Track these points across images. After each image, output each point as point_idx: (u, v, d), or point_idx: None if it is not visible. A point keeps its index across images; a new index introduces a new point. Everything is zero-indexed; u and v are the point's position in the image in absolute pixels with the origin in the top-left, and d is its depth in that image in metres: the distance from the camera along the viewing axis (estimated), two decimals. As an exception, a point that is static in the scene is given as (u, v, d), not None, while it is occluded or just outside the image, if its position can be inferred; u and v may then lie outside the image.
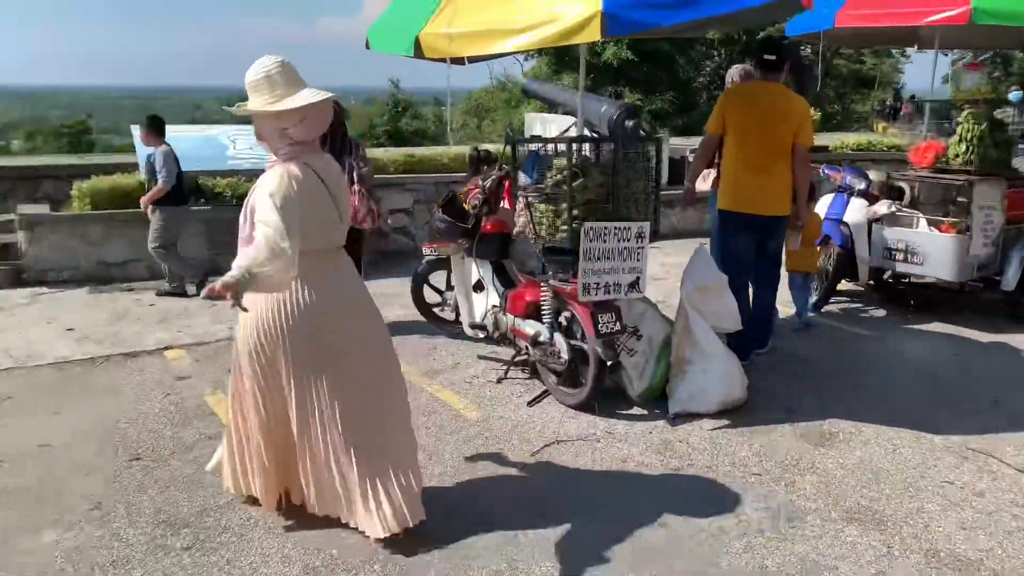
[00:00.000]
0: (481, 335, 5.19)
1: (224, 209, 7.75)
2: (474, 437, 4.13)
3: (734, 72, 5.68)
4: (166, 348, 5.49)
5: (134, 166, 8.19)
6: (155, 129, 6.83)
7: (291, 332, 2.87)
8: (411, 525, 3.00)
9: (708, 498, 3.53)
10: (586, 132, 4.85)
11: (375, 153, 9.43)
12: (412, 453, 3.17)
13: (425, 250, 5.53)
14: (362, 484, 2.95)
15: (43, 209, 7.53)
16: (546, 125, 11.67)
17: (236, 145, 7.58)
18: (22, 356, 5.25)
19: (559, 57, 20.52)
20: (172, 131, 7.66)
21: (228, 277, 2.63)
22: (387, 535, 2.95)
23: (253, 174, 7.76)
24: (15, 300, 6.66)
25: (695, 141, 6.99)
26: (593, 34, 3.37)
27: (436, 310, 5.82)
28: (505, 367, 5.04)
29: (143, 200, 6.76)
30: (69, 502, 3.34)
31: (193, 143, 7.41)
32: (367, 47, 4.90)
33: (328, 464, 2.96)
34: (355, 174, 5.21)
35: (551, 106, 12.84)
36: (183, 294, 6.92)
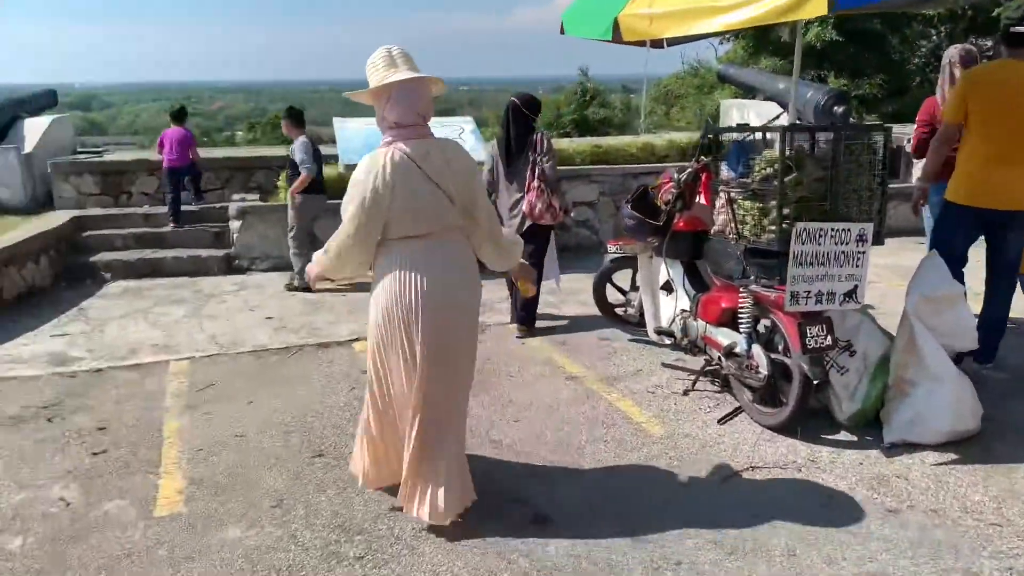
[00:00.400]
0: (667, 341, 4.83)
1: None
2: (657, 456, 3.79)
3: (953, 53, 4.84)
4: (355, 339, 5.61)
5: (335, 157, 8.55)
6: (294, 120, 6.96)
7: (376, 315, 2.95)
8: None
9: (932, 551, 2.97)
10: (798, 120, 4.31)
11: (560, 144, 9.22)
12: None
13: (610, 247, 5.24)
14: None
15: (252, 198, 8.04)
16: (744, 111, 10.93)
17: (426, 137, 7.67)
18: (227, 343, 5.56)
19: (757, 40, 19.30)
20: (373, 123, 7.91)
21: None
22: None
23: None
24: (224, 287, 7.15)
25: (910, 129, 6.12)
26: (819, 7, 2.91)
27: (618, 310, 5.52)
28: (693, 377, 4.65)
29: (291, 190, 6.82)
30: (254, 497, 3.41)
31: (363, 134, 7.58)
32: (562, 32, 4.68)
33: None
34: (536, 169, 5.18)
35: (748, 92, 12.04)
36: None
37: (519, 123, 5.34)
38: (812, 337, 3.73)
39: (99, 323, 6.07)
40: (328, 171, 7.89)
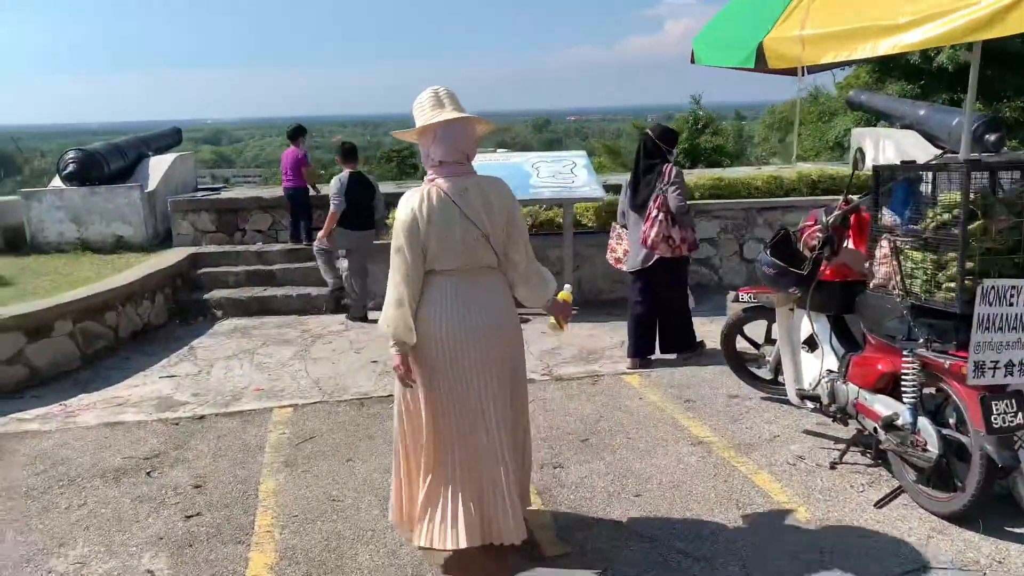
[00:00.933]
0: (810, 406, 4.23)
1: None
2: (805, 548, 3.23)
3: None
4: (459, 388, 5.30)
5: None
6: (343, 155, 7.24)
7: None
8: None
9: None
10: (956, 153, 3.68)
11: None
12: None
13: (742, 295, 4.70)
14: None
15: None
16: (880, 142, 10.08)
17: (539, 173, 7.36)
18: (330, 389, 5.36)
19: (882, 63, 18.12)
20: (486, 160, 7.66)
21: None
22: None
23: (554, 202, 7.54)
24: (332, 326, 7.03)
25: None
26: (1021, 23, 2.36)
27: (750, 365, 4.96)
28: (841, 448, 4.05)
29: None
30: (347, 577, 3.09)
31: (499, 172, 7.29)
32: (692, 61, 4.24)
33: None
34: (659, 199, 5.23)
35: (881, 120, 11.11)
36: (364, 318, 7.08)
37: (651, 155, 5.36)
38: (999, 415, 3.11)
39: (207, 364, 6.02)
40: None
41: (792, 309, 4.26)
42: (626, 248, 5.69)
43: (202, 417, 4.93)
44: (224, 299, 7.38)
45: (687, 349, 5.70)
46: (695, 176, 8.34)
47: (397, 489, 3.15)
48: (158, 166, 9.04)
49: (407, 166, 37.97)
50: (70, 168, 8.34)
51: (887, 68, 18.08)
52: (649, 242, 5.27)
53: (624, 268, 5.76)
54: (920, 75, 16.02)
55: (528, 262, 3.06)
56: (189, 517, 3.62)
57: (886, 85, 17.65)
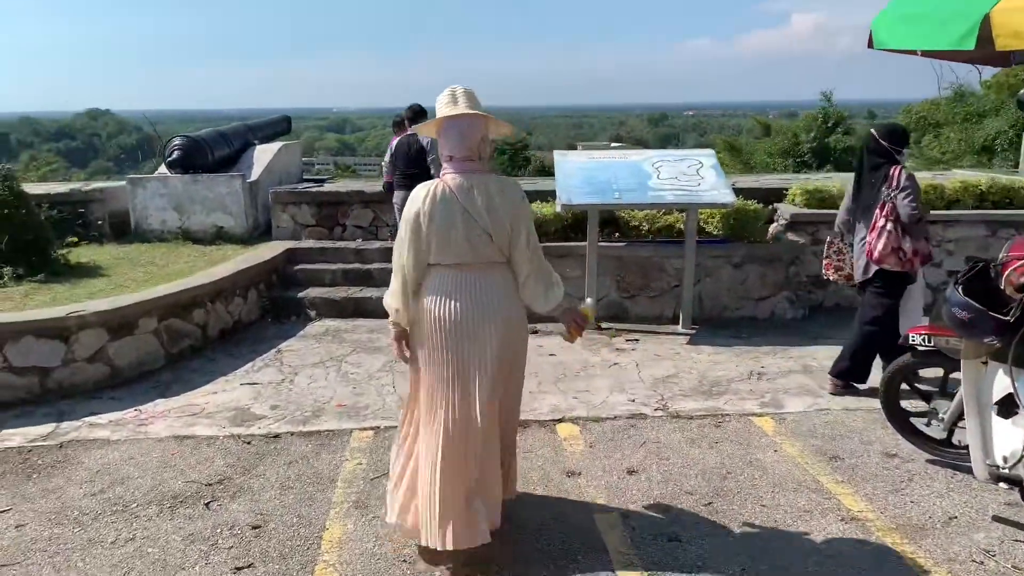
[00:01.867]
0: (1004, 487, 3.33)
1: (638, 246, 6.82)
2: None
3: None
4: (559, 420, 4.64)
5: (552, 193, 7.71)
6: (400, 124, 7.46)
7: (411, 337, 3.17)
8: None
9: None
10: None
11: (809, 184, 7.72)
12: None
13: (912, 336, 3.80)
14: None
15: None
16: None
17: (660, 173, 6.58)
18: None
19: None
20: (600, 156, 6.97)
21: None
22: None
23: (678, 207, 6.75)
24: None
25: None
26: None
27: (916, 421, 4.05)
28: (1048, 546, 3.14)
29: None
30: None
31: (615, 172, 6.58)
32: (870, 46, 3.40)
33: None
34: (886, 206, 4.68)
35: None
36: None
37: (875, 155, 4.81)
38: None
39: (291, 371, 5.61)
40: (545, 208, 7.06)
41: (985, 362, 3.36)
42: (852, 261, 5.06)
43: (276, 436, 4.49)
44: (319, 298, 7.01)
45: (855, 380, 5.03)
46: (831, 182, 7.31)
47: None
48: (262, 155, 8.79)
49: (520, 159, 37.56)
50: (174, 155, 8.19)
51: None
52: (876, 255, 4.73)
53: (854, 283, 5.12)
54: None
55: (531, 266, 3.07)
56: (239, 569, 3.14)
57: None
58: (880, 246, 4.67)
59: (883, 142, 4.77)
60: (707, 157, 6.90)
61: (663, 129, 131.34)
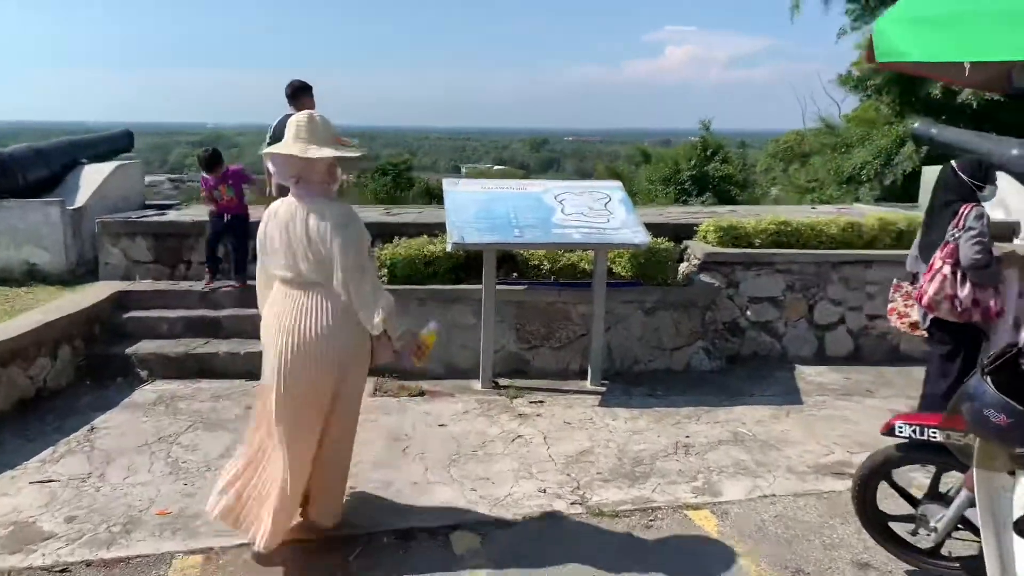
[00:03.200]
0: (1030, 626, 2.59)
1: (540, 290, 5.94)
2: None
3: None
4: (453, 527, 3.64)
5: (440, 226, 6.74)
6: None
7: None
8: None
9: None
10: None
11: (730, 220, 7.13)
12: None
13: (900, 425, 3.03)
14: None
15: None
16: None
17: (564, 208, 5.74)
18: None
19: (901, 95, 16.74)
20: (494, 186, 6.05)
21: None
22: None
23: (586, 247, 5.91)
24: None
25: None
26: None
27: (896, 526, 3.31)
28: None
29: None
30: None
31: (514, 205, 5.67)
32: (870, 60, 2.65)
33: None
34: (946, 248, 4.24)
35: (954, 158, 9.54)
36: None
37: (949, 191, 4.34)
38: None
39: (103, 459, 4.33)
40: (432, 246, 6.08)
41: (1012, 472, 2.62)
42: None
43: (65, 570, 3.25)
44: (152, 355, 5.69)
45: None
46: (754, 221, 6.72)
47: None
48: (92, 177, 7.33)
49: (403, 180, 36.42)
50: (-29, 176, 6.65)
51: (908, 101, 16.76)
52: (926, 299, 4.29)
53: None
54: (940, 111, 14.73)
55: (347, 292, 3.19)
56: None
57: (905, 120, 16.33)
58: (932, 290, 4.22)
59: (963, 175, 4.29)
60: (615, 190, 6.12)
61: (544, 154, 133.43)
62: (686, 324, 6.03)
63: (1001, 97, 13.15)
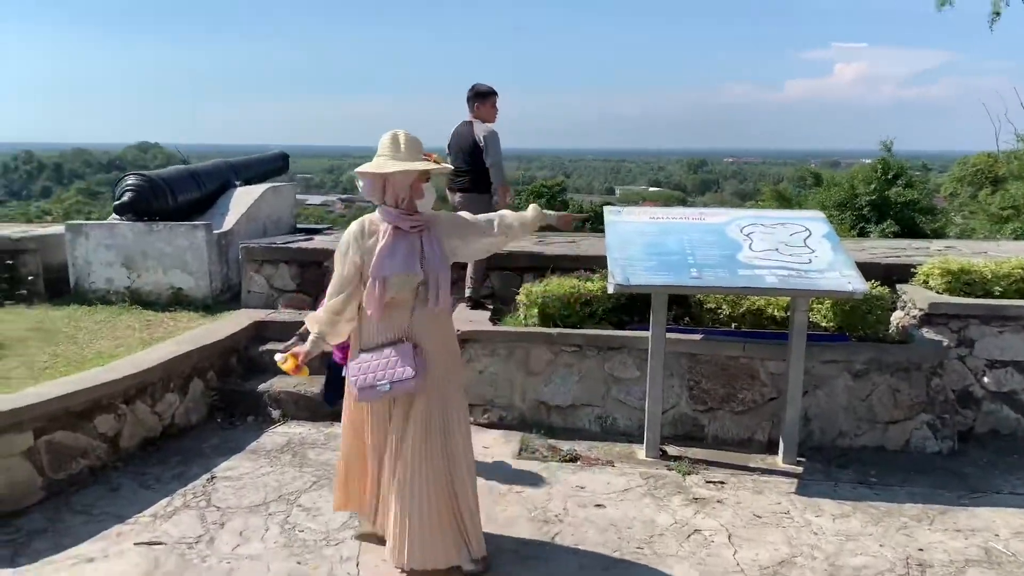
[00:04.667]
0: None
1: (719, 340, 4.97)
2: None
3: None
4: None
5: (599, 260, 5.93)
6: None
7: None
8: None
9: None
10: None
11: (951, 263, 5.84)
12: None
13: None
14: None
15: (480, 316, 5.59)
16: None
17: (753, 243, 4.77)
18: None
19: None
20: (665, 216, 5.17)
21: None
22: None
23: (783, 293, 4.86)
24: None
25: None
26: None
27: None
28: None
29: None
30: None
31: (689, 238, 4.77)
32: None
33: None
34: None
35: None
36: None
37: None
38: None
39: (218, 518, 3.83)
40: (591, 284, 5.28)
41: None
42: None
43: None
44: (285, 392, 5.24)
45: None
46: (992, 263, 5.40)
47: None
48: (242, 199, 7.14)
49: (557, 202, 36.06)
50: (125, 197, 6.52)
51: None
52: None
53: None
54: None
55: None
56: None
57: None
58: None
59: None
60: (816, 222, 5.05)
61: (702, 175, 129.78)
62: (906, 392, 4.84)
63: None
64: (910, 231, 22.14)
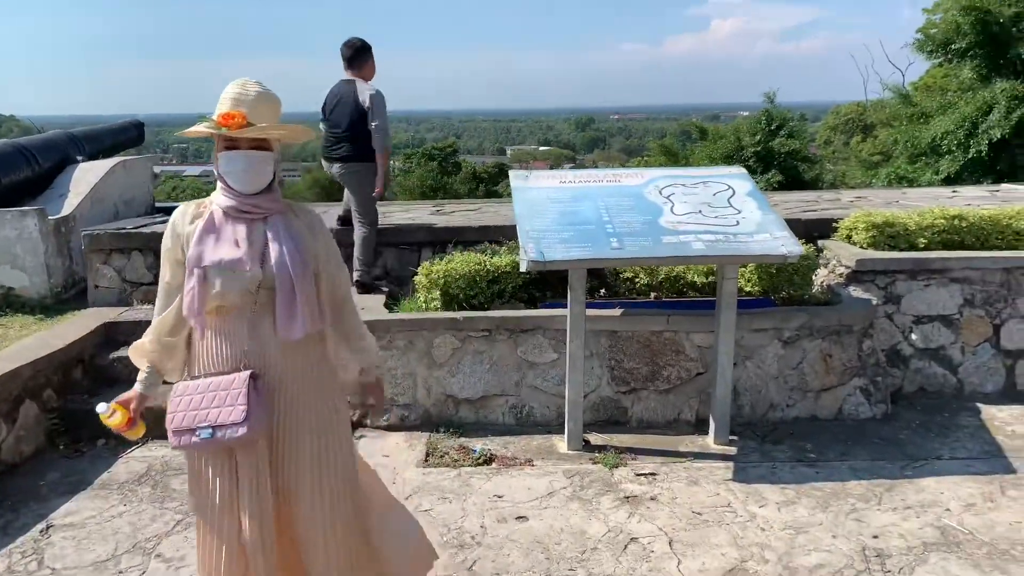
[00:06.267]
0: None
1: (640, 314, 4.50)
2: None
3: None
4: None
5: (505, 231, 5.34)
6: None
7: None
8: None
9: None
10: None
11: (878, 214, 5.59)
12: None
13: None
14: None
15: (373, 301, 4.91)
16: None
17: (674, 206, 4.30)
18: None
19: (990, 58, 14.79)
20: (576, 180, 4.61)
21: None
22: None
23: (713, 260, 4.37)
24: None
25: None
26: None
27: None
28: None
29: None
30: None
31: (605, 203, 4.23)
32: None
33: None
34: None
35: None
36: None
37: None
38: None
39: (52, 586, 3.06)
40: (499, 259, 4.72)
41: None
42: None
43: None
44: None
45: None
46: (916, 214, 5.15)
47: None
48: (84, 178, 6.08)
49: (450, 165, 35.25)
50: (-66, 182, 5.43)
51: (995, 64, 14.83)
52: None
53: None
54: None
55: None
56: None
57: (993, 83, 14.47)
58: None
59: None
60: (738, 179, 4.63)
61: (591, 133, 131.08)
62: (838, 356, 4.52)
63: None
64: (793, 181, 22.69)
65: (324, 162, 5.38)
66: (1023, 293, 4.85)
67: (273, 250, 2.23)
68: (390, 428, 4.49)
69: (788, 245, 3.98)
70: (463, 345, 4.49)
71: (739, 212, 4.28)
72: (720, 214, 4.25)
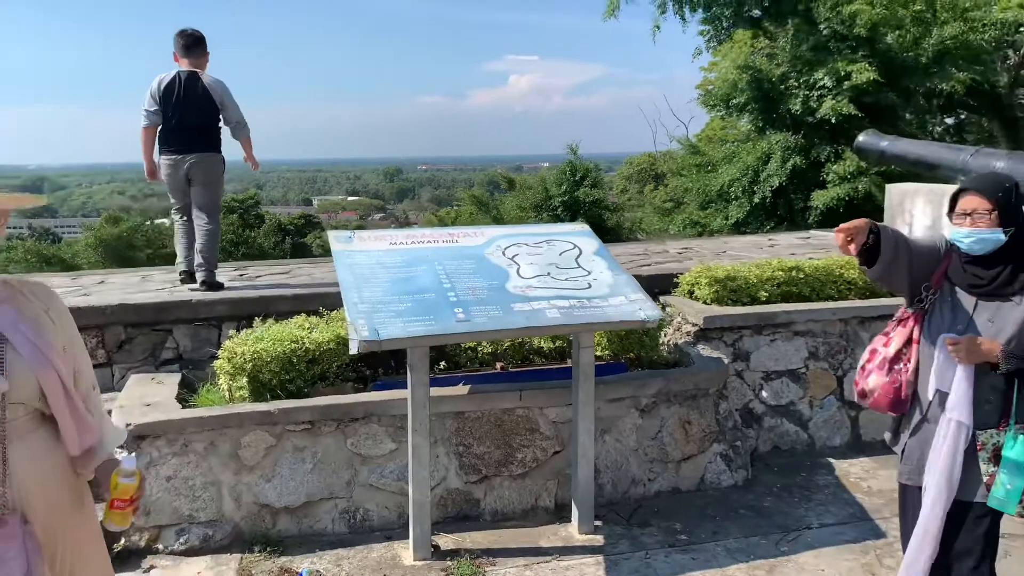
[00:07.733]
0: None
1: (487, 392, 3.96)
2: None
3: None
4: None
5: (324, 298, 4.61)
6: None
7: None
8: None
9: None
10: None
11: (721, 269, 5.49)
12: None
13: None
14: None
15: (162, 394, 3.99)
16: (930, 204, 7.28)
17: (520, 268, 3.84)
18: None
19: (764, 112, 16.28)
20: (409, 240, 4.01)
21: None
22: None
23: (570, 329, 3.87)
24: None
25: None
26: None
27: None
28: None
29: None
30: None
31: (444, 267, 3.68)
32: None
33: None
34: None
35: (912, 171, 8.43)
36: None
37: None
38: None
39: None
40: (319, 333, 4.00)
41: None
42: None
43: None
44: None
45: None
46: (755, 268, 5.07)
47: None
48: None
49: (252, 217, 33.31)
50: None
51: (770, 118, 16.36)
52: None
53: None
54: (798, 127, 14.42)
55: None
56: None
57: (768, 135, 15.95)
58: None
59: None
60: (583, 237, 4.26)
61: (399, 183, 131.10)
62: (697, 422, 4.24)
63: (859, 112, 12.75)
64: (598, 229, 23.50)
65: (166, 156, 5.05)
66: (860, 343, 4.87)
67: (13, 353, 1.80)
68: (189, 552, 3.59)
69: (646, 309, 3.64)
70: (279, 442, 3.71)
71: (589, 273, 3.89)
72: (570, 276, 3.85)
